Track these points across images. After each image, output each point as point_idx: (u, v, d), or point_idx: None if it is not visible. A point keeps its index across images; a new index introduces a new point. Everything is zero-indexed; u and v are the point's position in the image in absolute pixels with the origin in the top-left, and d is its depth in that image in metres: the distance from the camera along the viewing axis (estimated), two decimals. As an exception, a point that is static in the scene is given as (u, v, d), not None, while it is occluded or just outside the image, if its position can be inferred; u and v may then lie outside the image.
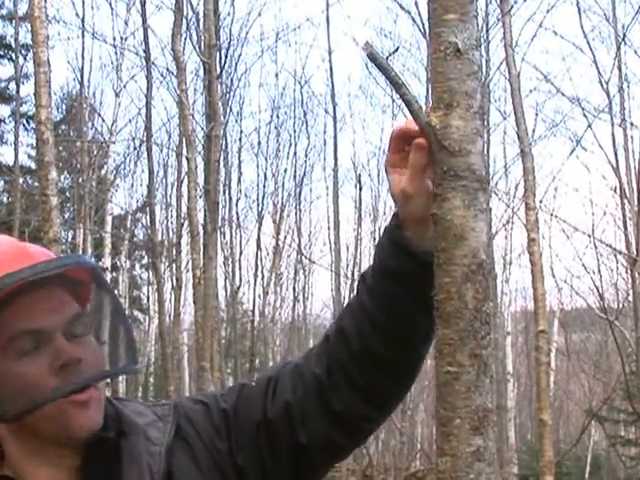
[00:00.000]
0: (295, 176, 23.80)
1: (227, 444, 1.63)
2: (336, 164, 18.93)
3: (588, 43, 12.79)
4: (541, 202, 10.92)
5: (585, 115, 12.60)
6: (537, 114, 16.37)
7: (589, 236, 13.84)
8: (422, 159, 1.45)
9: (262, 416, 1.63)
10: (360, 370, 1.59)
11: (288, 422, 1.61)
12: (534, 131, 15.47)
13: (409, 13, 16.11)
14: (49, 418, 1.49)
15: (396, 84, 1.42)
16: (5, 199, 20.60)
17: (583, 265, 15.63)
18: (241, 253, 22.13)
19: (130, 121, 21.06)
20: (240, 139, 22.59)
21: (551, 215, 13.87)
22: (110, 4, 18.11)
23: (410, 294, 1.54)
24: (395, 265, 1.55)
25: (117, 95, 18.98)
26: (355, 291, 1.66)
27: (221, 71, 13.57)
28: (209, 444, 1.63)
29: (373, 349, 1.57)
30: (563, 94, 13.53)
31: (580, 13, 12.43)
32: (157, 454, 1.57)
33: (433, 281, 1.42)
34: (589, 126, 12.06)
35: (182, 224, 17.46)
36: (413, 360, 1.63)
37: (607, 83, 12.85)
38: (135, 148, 21.14)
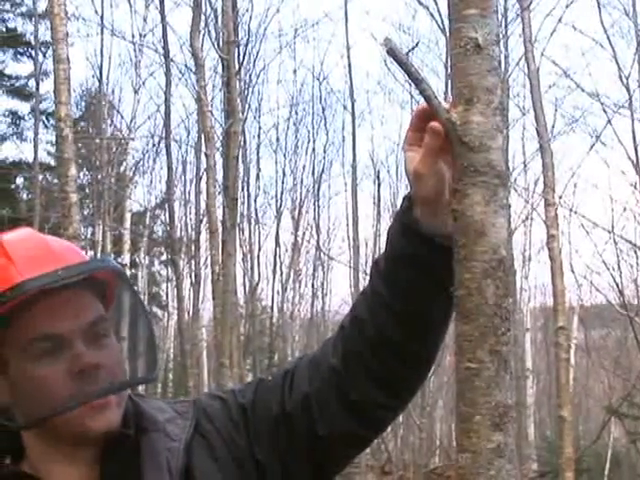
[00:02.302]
0: (314, 172, 23.88)
1: (246, 439, 1.62)
2: (355, 160, 18.93)
3: (608, 38, 12.73)
4: (560, 198, 10.86)
5: (605, 110, 12.53)
6: (556, 110, 16.29)
7: (609, 232, 13.77)
8: (435, 142, 1.44)
9: (280, 409, 1.62)
10: (376, 358, 1.57)
11: (306, 414, 1.61)
12: (553, 127, 15.39)
13: (427, 9, 16.11)
14: (66, 421, 1.49)
15: (416, 80, 1.42)
16: (25, 196, 20.66)
17: (603, 261, 15.51)
18: (260, 249, 22.22)
19: (149, 118, 21.22)
20: (259, 135, 22.68)
21: (570, 211, 13.82)
22: (129, 1, 18.23)
23: (423, 278, 1.53)
24: (406, 248, 1.54)
25: (136, 92, 19.06)
26: (368, 278, 1.65)
27: (240, 67, 13.60)
28: (228, 440, 1.62)
29: (388, 336, 1.56)
30: (583, 89, 13.47)
31: (600, 8, 12.36)
32: (176, 450, 1.57)
33: (446, 265, 1.42)
34: (609, 121, 12.02)
35: (201, 220, 17.50)
36: (429, 346, 1.61)
37: (627, 78, 12.78)
38: (154, 145, 21.26)
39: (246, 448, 1.62)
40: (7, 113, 19.22)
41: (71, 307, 1.53)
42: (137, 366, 1.67)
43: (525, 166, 18.00)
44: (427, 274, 1.52)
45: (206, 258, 17.56)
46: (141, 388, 19.36)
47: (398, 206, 1.61)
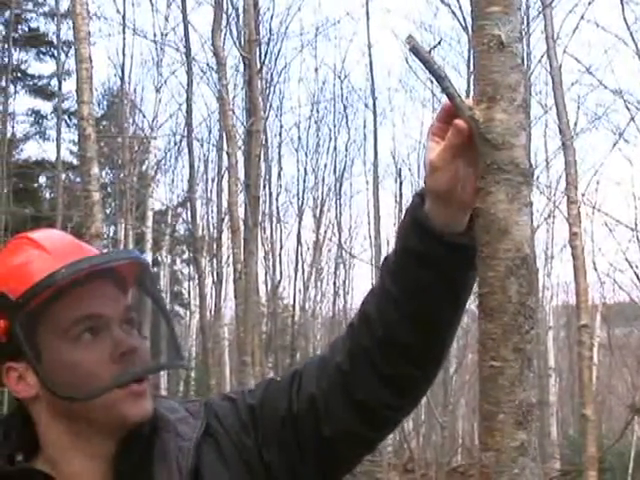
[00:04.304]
0: (335, 170, 23.86)
1: (254, 439, 1.63)
2: (376, 158, 18.92)
3: (631, 35, 12.57)
4: (583, 195, 10.83)
5: (628, 107, 12.44)
6: (579, 107, 16.24)
7: (632, 229, 13.73)
8: (457, 139, 1.44)
9: (288, 410, 1.62)
10: (383, 356, 1.57)
11: (313, 415, 1.61)
12: (576, 124, 15.33)
13: (449, 7, 16.03)
14: (105, 406, 1.52)
15: (439, 77, 1.41)
16: (47, 195, 20.77)
17: (626, 259, 15.45)
18: (281, 248, 22.22)
19: (171, 116, 21.31)
20: (280, 134, 22.69)
21: (593, 208, 13.78)
22: (150, 0, 18.25)
23: (432, 275, 1.52)
24: (416, 245, 1.53)
25: (158, 91, 19.08)
26: (379, 275, 1.64)
27: (261, 66, 13.62)
28: (236, 440, 1.63)
29: (396, 334, 1.55)
30: (605, 87, 13.36)
31: (623, 4, 12.26)
32: (186, 450, 1.59)
33: (456, 263, 1.45)
34: (632, 119, 11.94)
35: (223, 219, 17.55)
36: (437, 346, 1.60)
37: (650, 75, 12.69)
38: (176, 143, 21.29)
39: (254, 449, 1.63)
40: (30, 112, 19.35)
41: (110, 292, 1.58)
42: (166, 353, 1.71)
43: (547, 164, 17.96)
44: (436, 271, 1.52)
45: (228, 256, 17.60)
46: (164, 385, 19.44)
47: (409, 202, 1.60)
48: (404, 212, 1.61)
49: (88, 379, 1.51)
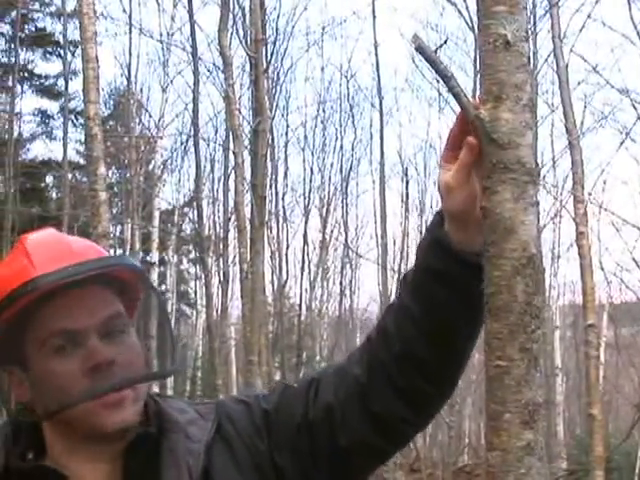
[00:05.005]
0: (341, 170, 23.87)
1: (267, 444, 1.63)
2: (382, 158, 18.92)
3: (638, 34, 12.54)
4: (590, 195, 10.82)
5: (634, 107, 12.41)
6: (585, 106, 16.19)
7: (639, 229, 13.70)
8: (469, 157, 1.46)
9: (303, 417, 1.63)
10: (400, 371, 1.58)
11: (329, 424, 1.61)
12: (582, 123, 15.30)
13: (455, 6, 16.05)
14: (79, 417, 1.51)
15: (445, 77, 1.42)
16: (54, 194, 20.79)
17: (633, 258, 15.44)
18: (288, 247, 22.27)
19: (177, 116, 21.25)
20: (286, 133, 22.72)
21: (600, 208, 13.77)
22: (157, 0, 18.27)
23: (451, 294, 1.53)
24: (435, 264, 1.55)
25: (164, 90, 19.15)
26: (397, 291, 1.66)
27: (267, 66, 13.62)
28: (249, 444, 1.63)
29: (413, 350, 1.56)
30: (612, 86, 13.33)
31: (630, 3, 12.23)
32: (196, 452, 1.58)
33: (475, 282, 1.43)
34: (639, 118, 11.91)
35: (229, 218, 17.54)
36: (452, 364, 1.62)
37: (657, 74, 12.64)
38: (182, 143, 21.34)
39: (266, 453, 1.63)
40: (36, 112, 19.38)
41: (86, 303, 1.55)
42: (152, 361, 1.69)
43: (554, 163, 17.92)
44: (453, 289, 1.53)
45: (234, 256, 17.58)
46: (170, 385, 19.44)
47: (428, 206, 1.62)
48: (424, 231, 1.63)
49: (58, 393, 1.50)
